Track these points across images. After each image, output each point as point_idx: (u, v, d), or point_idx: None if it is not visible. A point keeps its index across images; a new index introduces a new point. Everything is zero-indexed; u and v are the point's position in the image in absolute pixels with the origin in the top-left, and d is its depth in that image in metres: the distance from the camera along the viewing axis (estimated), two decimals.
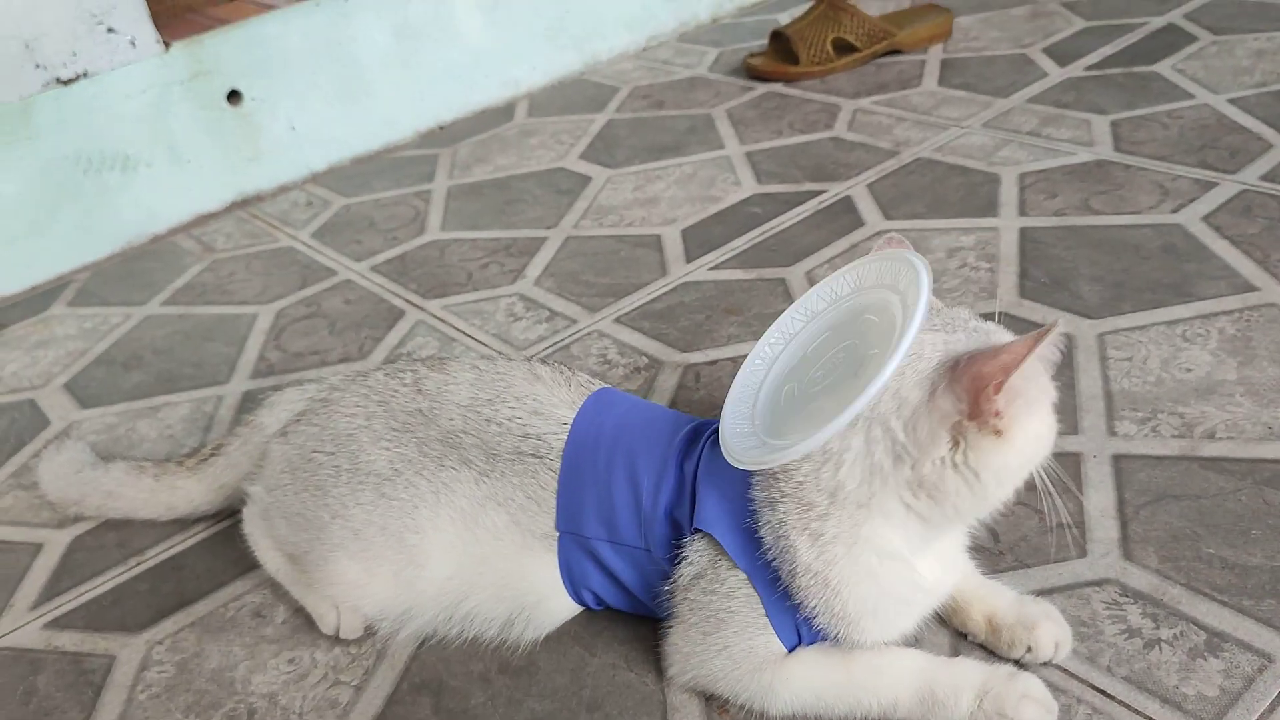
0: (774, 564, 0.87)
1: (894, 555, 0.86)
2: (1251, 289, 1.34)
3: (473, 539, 1.00)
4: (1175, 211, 1.55)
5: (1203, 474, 1.09)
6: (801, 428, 0.83)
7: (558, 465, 0.99)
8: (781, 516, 0.86)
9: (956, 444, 0.80)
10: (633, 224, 1.80)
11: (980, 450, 0.80)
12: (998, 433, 0.79)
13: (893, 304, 0.85)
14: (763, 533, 0.87)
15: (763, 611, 0.89)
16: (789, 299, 1.47)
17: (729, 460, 0.86)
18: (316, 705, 1.00)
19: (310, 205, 2.07)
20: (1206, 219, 1.51)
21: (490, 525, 1.00)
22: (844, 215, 1.70)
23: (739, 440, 0.88)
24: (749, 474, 0.89)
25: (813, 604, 0.87)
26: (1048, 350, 0.80)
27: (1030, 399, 0.80)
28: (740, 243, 1.67)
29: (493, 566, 1.00)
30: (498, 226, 1.87)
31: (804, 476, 0.85)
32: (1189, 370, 1.23)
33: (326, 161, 2.22)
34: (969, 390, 0.78)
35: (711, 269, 1.61)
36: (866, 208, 1.71)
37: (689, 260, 1.65)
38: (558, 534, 0.99)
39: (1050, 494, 0.85)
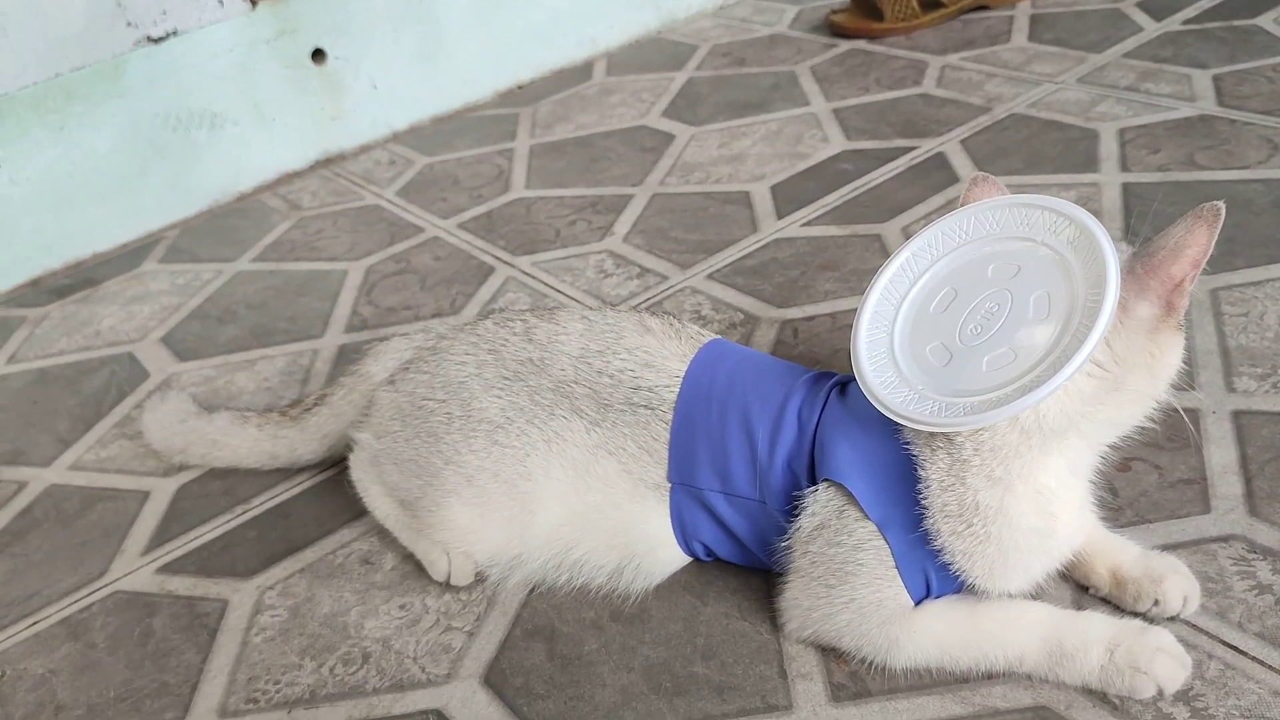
0: (920, 512, 0.86)
1: (1051, 496, 0.85)
2: None
3: (584, 487, 1.00)
4: None
5: None
6: (989, 380, 0.81)
7: (669, 417, 0.98)
8: (957, 463, 0.84)
9: (1153, 340, 0.81)
10: (720, 181, 1.78)
11: (1167, 346, 0.82)
12: (1179, 326, 0.81)
13: (1026, 249, 0.84)
14: (928, 478, 0.85)
15: (892, 564, 0.88)
16: (884, 254, 1.45)
17: (910, 424, 0.83)
18: (430, 650, 1.01)
19: (394, 164, 2.08)
20: None
21: (601, 474, 1.00)
22: (937, 171, 1.67)
23: (894, 396, 0.85)
24: (891, 424, 0.87)
25: (959, 551, 0.86)
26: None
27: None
28: (832, 199, 1.65)
29: (604, 514, 1.00)
30: (583, 184, 1.86)
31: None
32: None
33: (407, 120, 2.22)
34: (1160, 292, 0.80)
35: (804, 225, 1.60)
36: (960, 163, 1.68)
37: (780, 216, 1.63)
38: (670, 485, 0.98)
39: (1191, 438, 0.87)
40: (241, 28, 1.97)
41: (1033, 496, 0.83)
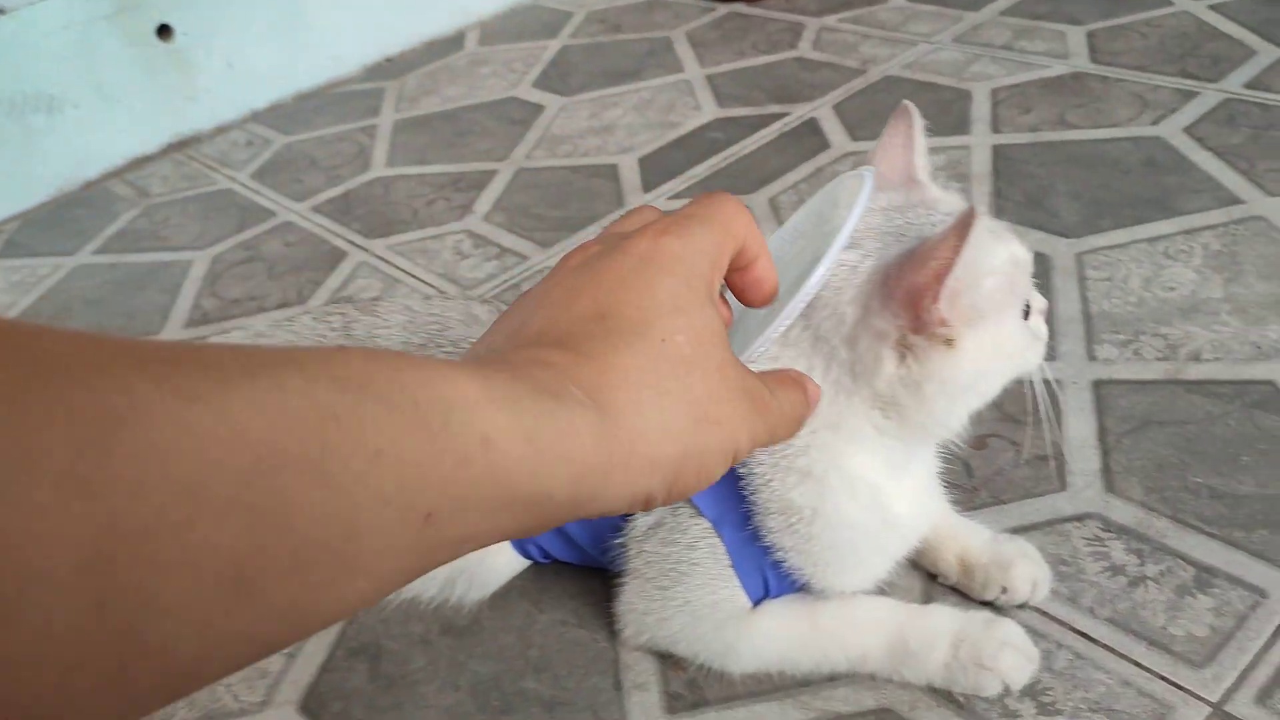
0: (747, 507, 0.80)
1: (877, 489, 0.78)
2: (1236, 201, 1.27)
3: None
4: (1155, 124, 1.47)
5: (1188, 398, 1.02)
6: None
7: None
8: (761, 454, 0.78)
9: (904, 358, 0.72)
10: (587, 153, 1.71)
11: (931, 363, 0.71)
12: (948, 343, 0.71)
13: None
14: (741, 472, 0.80)
15: (728, 563, 0.82)
16: None
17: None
18: (245, 675, 0.93)
19: (251, 145, 1.97)
20: (1188, 130, 1.44)
21: None
22: (809, 137, 1.61)
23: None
24: None
25: (789, 549, 0.80)
26: (1003, 247, 0.73)
27: (984, 301, 0.71)
28: (701, 170, 1.59)
29: None
30: (446, 160, 1.77)
31: None
32: (1172, 289, 1.16)
33: (267, 99, 2.11)
34: (905, 304, 0.69)
35: (670, 198, 1.53)
36: (832, 129, 1.62)
37: (647, 190, 1.56)
38: None
39: (1043, 413, 0.78)
40: (77, 3, 1.84)
41: (853, 491, 0.77)
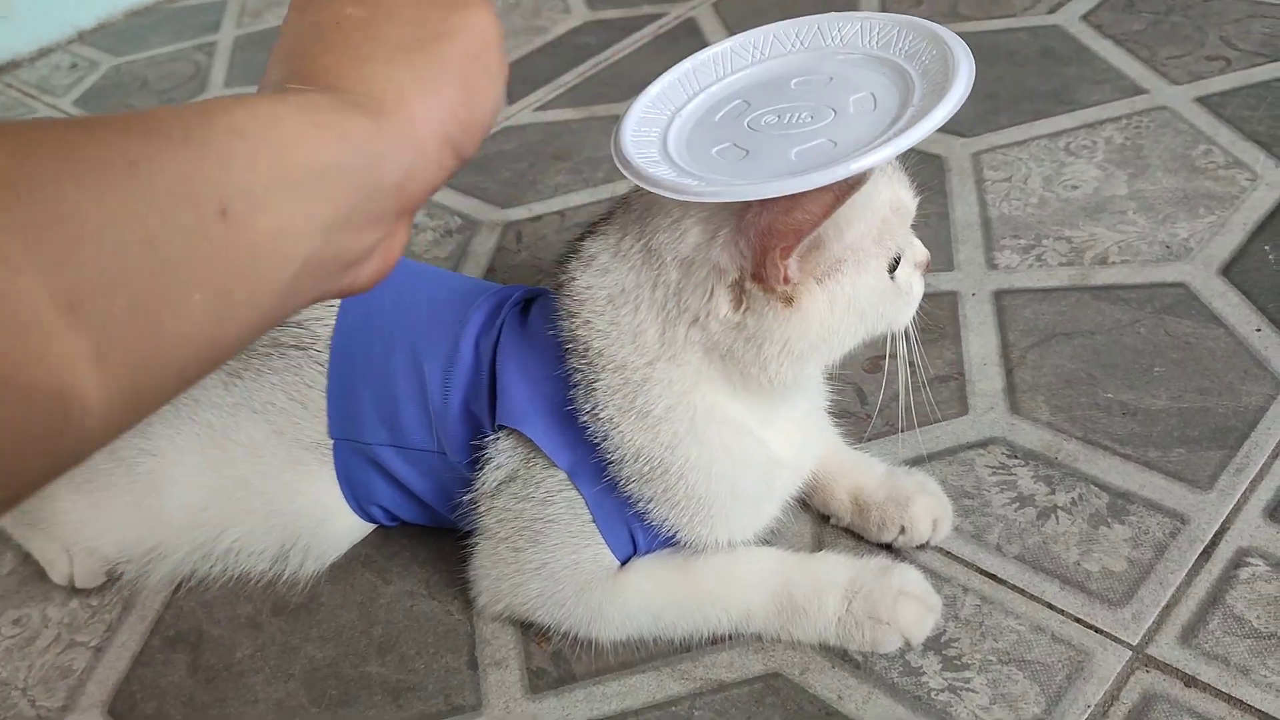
0: (601, 454, 0.69)
1: (740, 428, 0.68)
2: (1139, 91, 1.18)
3: (225, 458, 0.80)
4: (1052, 11, 1.37)
5: (1095, 305, 0.93)
6: (796, 165, 0.58)
7: (326, 357, 0.79)
8: (602, 394, 0.67)
9: (740, 304, 0.62)
10: None
11: (764, 318, 0.61)
12: (787, 301, 0.61)
13: (841, 62, 0.64)
14: (585, 419, 0.69)
15: (589, 518, 0.72)
16: None
17: (630, 173, 0.60)
18: (45, 675, 0.80)
19: (75, 68, 1.77)
20: (1086, 18, 1.34)
21: (246, 439, 0.80)
22: (688, 39, 1.48)
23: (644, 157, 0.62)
24: (563, 348, 0.69)
25: (650, 499, 0.70)
26: (886, 188, 0.62)
27: (845, 250, 0.61)
28: (570, 78, 1.45)
29: (255, 489, 0.81)
30: None
31: (609, 323, 0.66)
32: (1075, 187, 1.07)
33: (95, 17, 1.90)
34: (755, 246, 0.59)
35: (536, 110, 1.39)
36: (712, 29, 1.50)
37: (511, 101, 1.42)
38: (332, 442, 0.79)
39: (908, 370, 0.68)
40: None
41: (705, 431, 0.66)
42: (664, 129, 0.66)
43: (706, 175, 0.59)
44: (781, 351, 0.62)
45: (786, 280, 0.59)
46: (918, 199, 0.66)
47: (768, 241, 0.58)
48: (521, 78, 1.47)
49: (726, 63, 0.70)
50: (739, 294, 0.61)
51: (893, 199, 0.63)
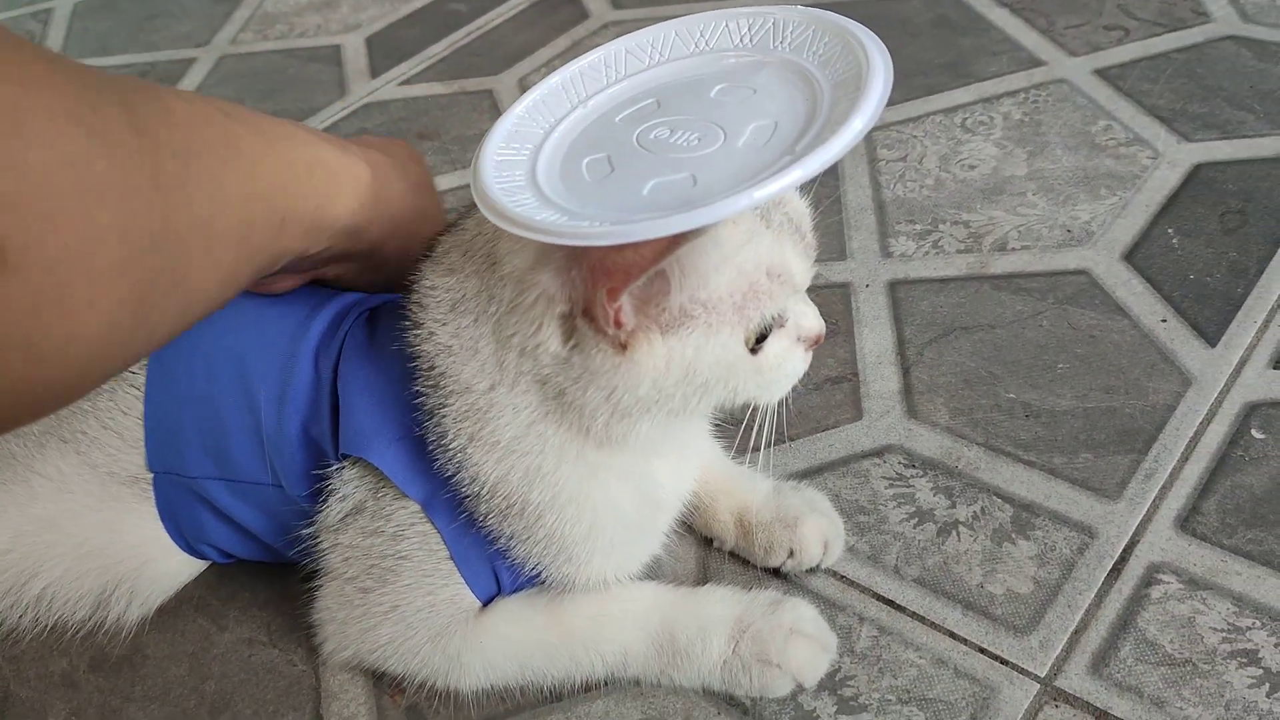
0: (455, 486, 0.60)
1: (602, 465, 0.60)
2: (1037, 63, 1.13)
3: (28, 495, 0.70)
4: None
5: (996, 296, 0.88)
6: (643, 203, 0.50)
7: (141, 378, 0.68)
8: (449, 421, 0.59)
9: (568, 338, 0.54)
10: (305, 34, 1.44)
11: (591, 359, 0.54)
12: (620, 347, 0.53)
13: (775, 71, 0.56)
14: (433, 449, 0.60)
15: (446, 555, 0.63)
16: (496, 113, 1.17)
17: (496, 219, 0.51)
18: None
19: None
20: None
21: (53, 472, 0.70)
22: (564, 7, 1.39)
23: (517, 203, 0.52)
24: (412, 364, 0.60)
25: (511, 536, 0.61)
26: (762, 250, 0.54)
27: (691, 317, 0.53)
28: (439, 49, 1.35)
29: (64, 530, 0.70)
30: (135, 48, 1.48)
31: (451, 335, 0.58)
32: (972, 167, 1.01)
33: None
34: (586, 280, 0.52)
35: (402, 84, 1.29)
36: None
37: (374, 75, 1.32)
38: (151, 475, 0.69)
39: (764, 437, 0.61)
40: None
41: (559, 461, 0.58)
42: (553, 124, 0.58)
43: (559, 194, 0.51)
44: (607, 401, 0.54)
45: (619, 324, 0.51)
46: (814, 269, 0.58)
47: (597, 278, 0.50)
48: (386, 50, 1.37)
49: (620, 65, 0.62)
50: (570, 327, 0.53)
51: (772, 262, 0.55)
